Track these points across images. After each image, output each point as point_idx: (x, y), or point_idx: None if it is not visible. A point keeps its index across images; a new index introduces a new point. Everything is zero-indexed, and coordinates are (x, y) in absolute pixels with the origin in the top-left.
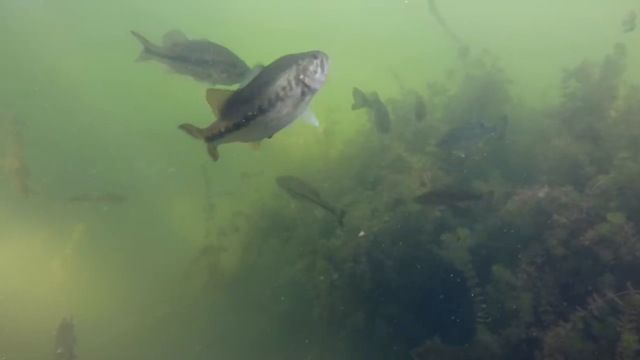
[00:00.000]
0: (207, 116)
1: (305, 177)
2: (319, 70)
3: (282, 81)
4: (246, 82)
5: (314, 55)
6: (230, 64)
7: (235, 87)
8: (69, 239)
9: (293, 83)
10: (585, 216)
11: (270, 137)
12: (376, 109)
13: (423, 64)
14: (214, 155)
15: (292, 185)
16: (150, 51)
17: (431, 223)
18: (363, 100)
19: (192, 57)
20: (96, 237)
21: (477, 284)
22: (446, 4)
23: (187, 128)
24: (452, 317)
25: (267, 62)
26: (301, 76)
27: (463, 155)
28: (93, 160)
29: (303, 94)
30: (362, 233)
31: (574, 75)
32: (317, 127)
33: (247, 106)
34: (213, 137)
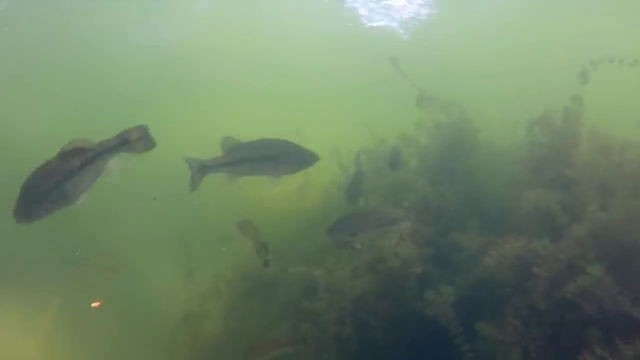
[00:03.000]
0: None
1: (285, 235)
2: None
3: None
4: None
5: None
6: (293, 153)
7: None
8: (45, 314)
9: None
10: (565, 268)
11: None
12: (351, 176)
13: (394, 116)
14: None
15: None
16: (208, 168)
17: (413, 279)
18: None
19: (255, 156)
20: (73, 307)
21: (464, 341)
22: (410, 55)
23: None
24: None
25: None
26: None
27: (358, 247)
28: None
29: None
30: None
31: (538, 123)
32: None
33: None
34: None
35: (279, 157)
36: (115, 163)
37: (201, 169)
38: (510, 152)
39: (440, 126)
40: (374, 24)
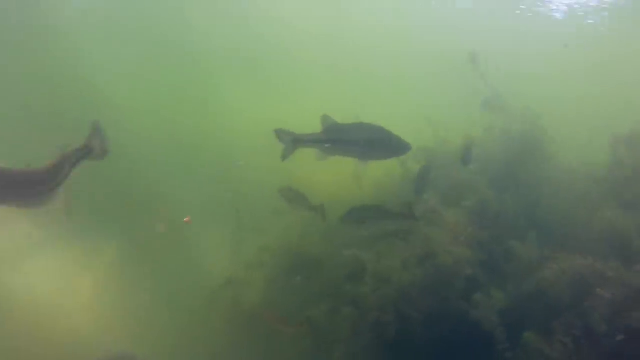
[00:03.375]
0: None
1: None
2: None
3: None
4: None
5: None
6: (386, 140)
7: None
8: (102, 260)
9: None
10: (634, 294)
11: None
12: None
13: (457, 114)
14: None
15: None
16: (300, 141)
17: (461, 279)
18: None
19: (350, 138)
20: (127, 258)
21: (506, 349)
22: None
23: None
24: None
25: None
26: None
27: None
28: (131, 184)
29: None
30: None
31: (624, 142)
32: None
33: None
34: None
35: (373, 142)
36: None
37: (294, 142)
38: (585, 168)
39: (510, 131)
40: None
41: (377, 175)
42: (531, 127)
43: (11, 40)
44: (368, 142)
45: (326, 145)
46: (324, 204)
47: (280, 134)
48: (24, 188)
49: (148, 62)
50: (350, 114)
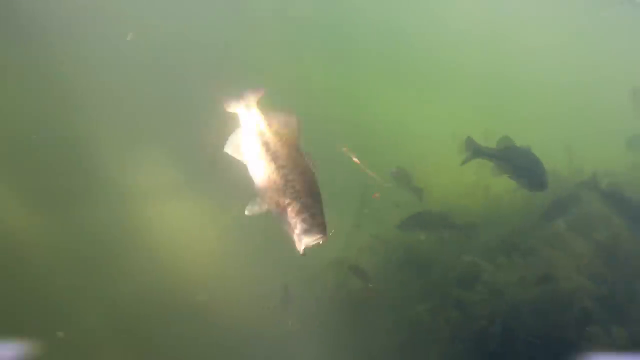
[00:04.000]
0: None
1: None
2: None
3: None
4: None
5: None
6: (537, 174)
7: None
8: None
9: None
10: None
11: None
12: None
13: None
14: None
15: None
16: (481, 153)
17: (577, 309)
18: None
19: (514, 160)
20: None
21: None
22: None
23: None
24: None
25: None
26: None
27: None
28: None
29: None
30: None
31: None
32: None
33: None
34: None
35: (532, 173)
36: None
37: (475, 151)
38: None
39: None
40: None
41: (497, 190)
42: None
43: None
44: (529, 170)
45: (498, 162)
46: (423, 188)
47: (467, 142)
48: None
49: None
50: (493, 129)
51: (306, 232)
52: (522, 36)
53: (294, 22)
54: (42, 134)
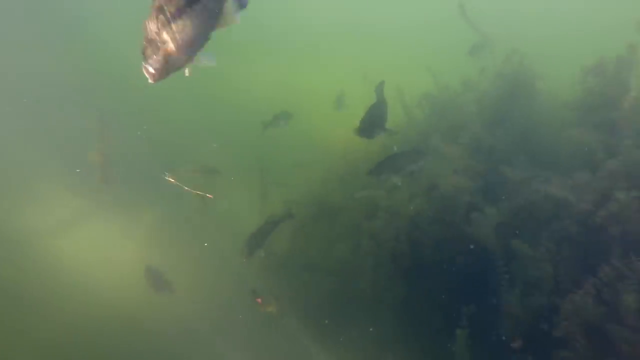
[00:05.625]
0: None
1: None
2: None
3: None
4: None
5: None
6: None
7: None
8: (142, 224)
9: None
10: (598, 197)
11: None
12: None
13: (455, 60)
14: None
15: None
16: None
17: (462, 205)
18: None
19: None
20: (165, 221)
21: (501, 257)
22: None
23: None
24: (483, 289)
25: None
26: None
27: (399, 184)
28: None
29: None
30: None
31: (592, 72)
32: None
33: None
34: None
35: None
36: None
37: None
38: (565, 98)
39: (501, 74)
40: None
41: None
42: (519, 68)
43: None
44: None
45: None
46: None
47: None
48: None
49: None
50: (359, 71)
51: None
52: None
53: None
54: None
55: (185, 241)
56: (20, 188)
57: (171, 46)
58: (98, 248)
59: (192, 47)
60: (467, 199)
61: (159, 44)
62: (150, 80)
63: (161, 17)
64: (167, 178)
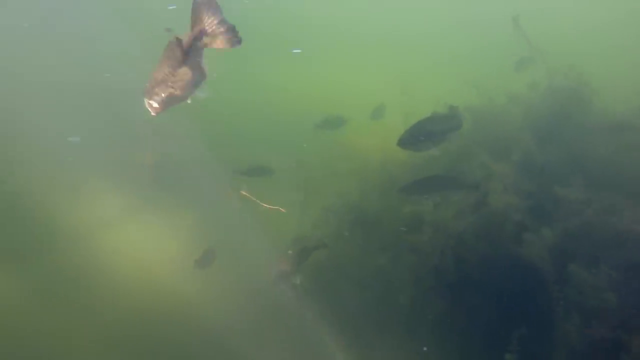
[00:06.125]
0: None
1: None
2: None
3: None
4: None
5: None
6: None
7: None
8: (185, 224)
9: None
10: None
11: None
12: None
13: (504, 74)
14: None
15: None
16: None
17: (512, 224)
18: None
19: None
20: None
21: (556, 281)
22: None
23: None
24: (535, 313)
25: None
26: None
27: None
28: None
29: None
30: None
31: None
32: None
33: None
34: None
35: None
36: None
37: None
38: (626, 118)
39: (554, 87)
40: None
41: None
42: (574, 82)
43: None
44: None
45: None
46: None
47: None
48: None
49: None
50: (401, 86)
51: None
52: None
53: None
54: None
55: (225, 242)
56: (78, 185)
57: (177, 87)
58: (144, 244)
59: (191, 88)
60: (517, 217)
61: (168, 84)
62: (152, 113)
63: (170, 64)
64: (242, 192)
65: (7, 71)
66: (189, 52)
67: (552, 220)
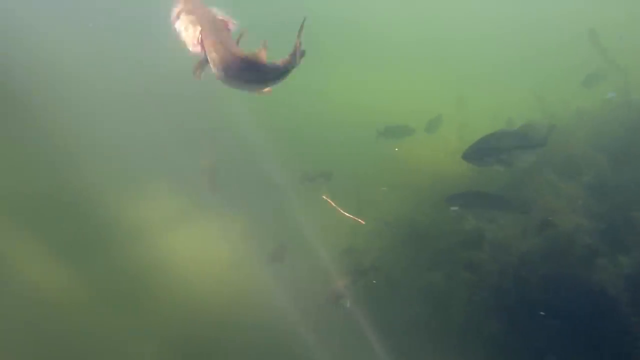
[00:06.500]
0: None
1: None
2: None
3: None
4: None
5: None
6: None
7: None
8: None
9: None
10: None
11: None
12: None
13: (571, 88)
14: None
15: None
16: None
17: (581, 248)
18: None
19: None
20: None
21: (634, 313)
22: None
23: None
24: (599, 342)
25: None
26: None
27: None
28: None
29: None
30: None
31: None
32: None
33: None
34: None
35: None
36: None
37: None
38: None
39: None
40: None
41: None
42: None
43: None
44: None
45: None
46: None
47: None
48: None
49: None
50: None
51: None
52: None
53: None
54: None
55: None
56: (138, 186)
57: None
58: (198, 246)
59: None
60: (587, 241)
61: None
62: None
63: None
64: (324, 198)
65: (73, 74)
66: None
67: (629, 246)
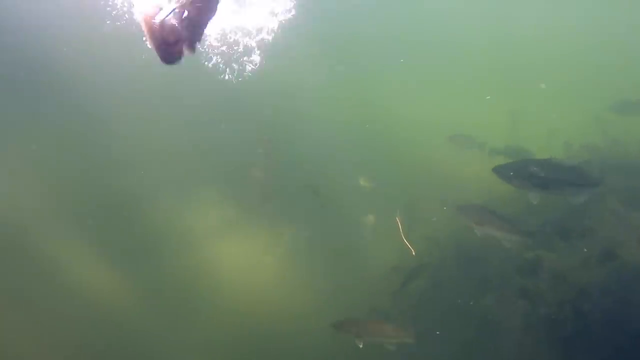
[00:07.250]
0: None
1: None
2: None
3: None
4: None
5: None
6: None
7: None
8: (282, 240)
9: None
10: None
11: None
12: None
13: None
14: None
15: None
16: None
17: None
18: None
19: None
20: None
21: None
22: None
23: None
24: None
25: None
26: None
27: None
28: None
29: None
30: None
31: None
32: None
33: None
34: None
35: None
36: None
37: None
38: None
39: None
40: None
41: None
42: None
43: None
44: None
45: None
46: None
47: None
48: None
49: None
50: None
51: None
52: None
53: None
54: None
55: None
56: (190, 193)
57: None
58: (246, 254)
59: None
60: None
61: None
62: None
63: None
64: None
65: (129, 79)
66: None
67: None
